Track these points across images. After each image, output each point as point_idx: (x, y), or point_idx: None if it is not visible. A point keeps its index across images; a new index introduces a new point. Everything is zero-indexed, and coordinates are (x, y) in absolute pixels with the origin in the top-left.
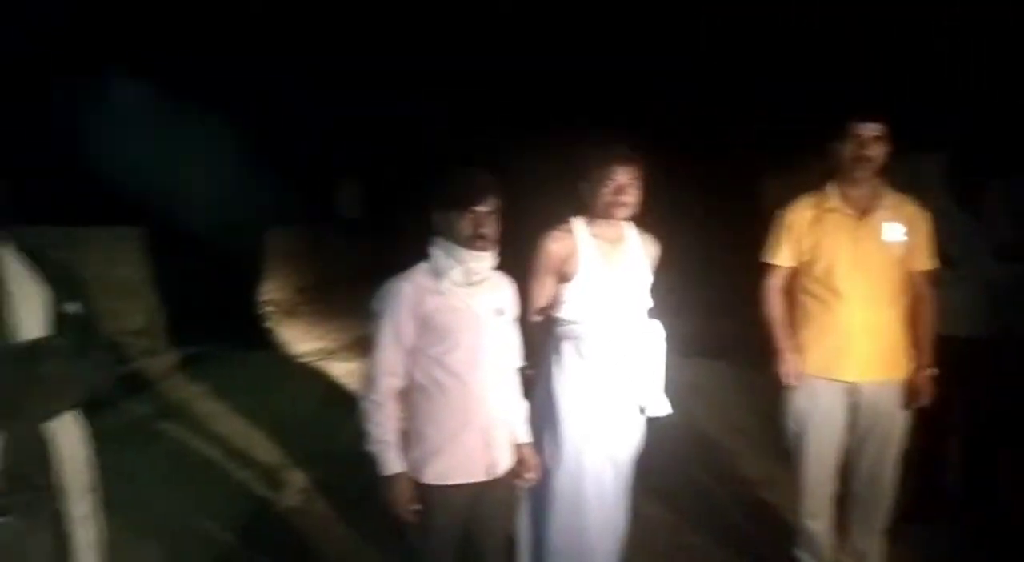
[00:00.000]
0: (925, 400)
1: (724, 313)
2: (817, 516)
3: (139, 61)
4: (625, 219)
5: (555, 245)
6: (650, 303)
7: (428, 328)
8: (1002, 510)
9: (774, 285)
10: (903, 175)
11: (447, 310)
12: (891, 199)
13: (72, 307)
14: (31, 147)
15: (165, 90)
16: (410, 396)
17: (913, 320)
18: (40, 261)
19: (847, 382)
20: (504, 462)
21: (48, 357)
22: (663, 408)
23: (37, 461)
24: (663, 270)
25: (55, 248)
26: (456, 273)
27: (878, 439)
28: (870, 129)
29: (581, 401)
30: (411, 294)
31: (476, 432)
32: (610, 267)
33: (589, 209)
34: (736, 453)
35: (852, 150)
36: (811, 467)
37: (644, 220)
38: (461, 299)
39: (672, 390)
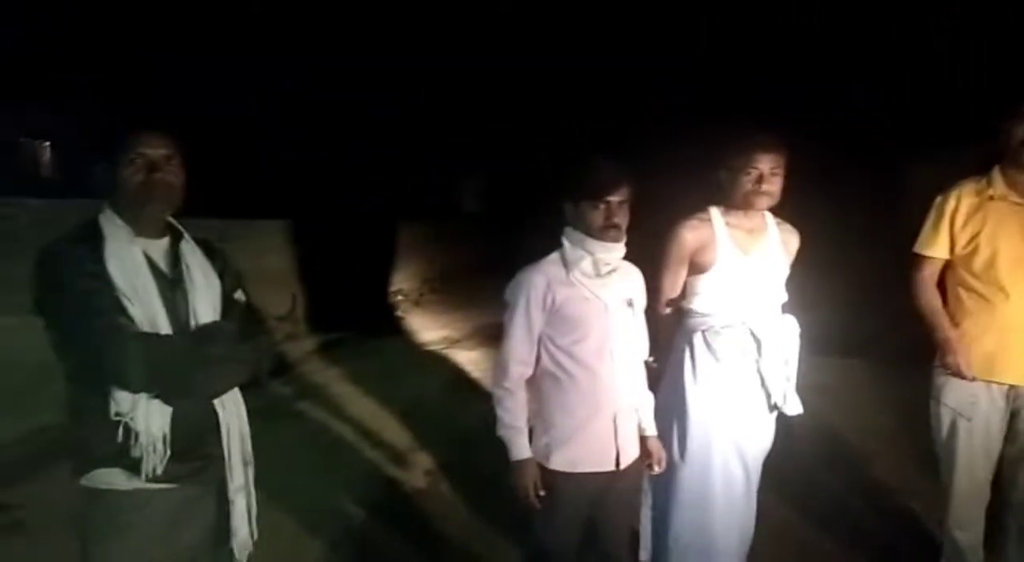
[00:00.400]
0: None
1: (859, 310)
2: (967, 528)
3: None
4: (765, 209)
5: (691, 234)
6: (785, 297)
7: (558, 318)
8: None
9: (927, 277)
10: None
11: (577, 300)
12: None
13: (238, 295)
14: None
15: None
16: (540, 384)
17: None
18: (212, 252)
19: (1007, 385)
20: (632, 453)
21: (218, 340)
22: (795, 407)
23: (206, 433)
24: (799, 263)
25: (219, 240)
26: (586, 264)
27: None
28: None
29: (711, 396)
30: (542, 284)
31: (605, 422)
32: (747, 258)
33: (727, 198)
34: (872, 457)
35: (1022, 132)
36: (963, 475)
37: (783, 211)
38: (591, 289)
39: (804, 389)
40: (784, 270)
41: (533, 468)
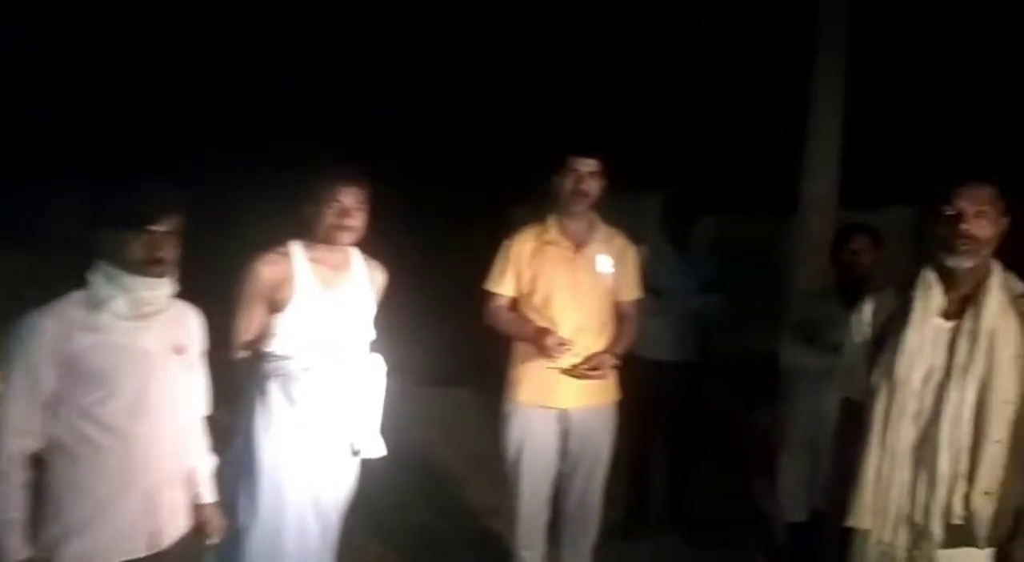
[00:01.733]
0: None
1: (465, 339)
2: (531, 547)
3: None
4: (350, 244)
5: (267, 269)
6: (373, 335)
7: (76, 373)
8: (701, 524)
9: (497, 310)
10: (624, 212)
11: (105, 349)
12: (603, 232)
13: None
14: None
15: None
16: (49, 459)
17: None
18: None
19: (559, 409)
20: (173, 530)
21: None
22: (377, 449)
23: None
24: (398, 296)
25: None
26: (120, 303)
27: (588, 462)
28: (587, 164)
29: (285, 447)
30: (53, 331)
31: (136, 498)
32: (330, 295)
33: (311, 232)
34: (467, 483)
35: (570, 184)
36: (525, 496)
37: (375, 245)
38: (125, 335)
39: (406, 421)
40: (370, 307)
41: None
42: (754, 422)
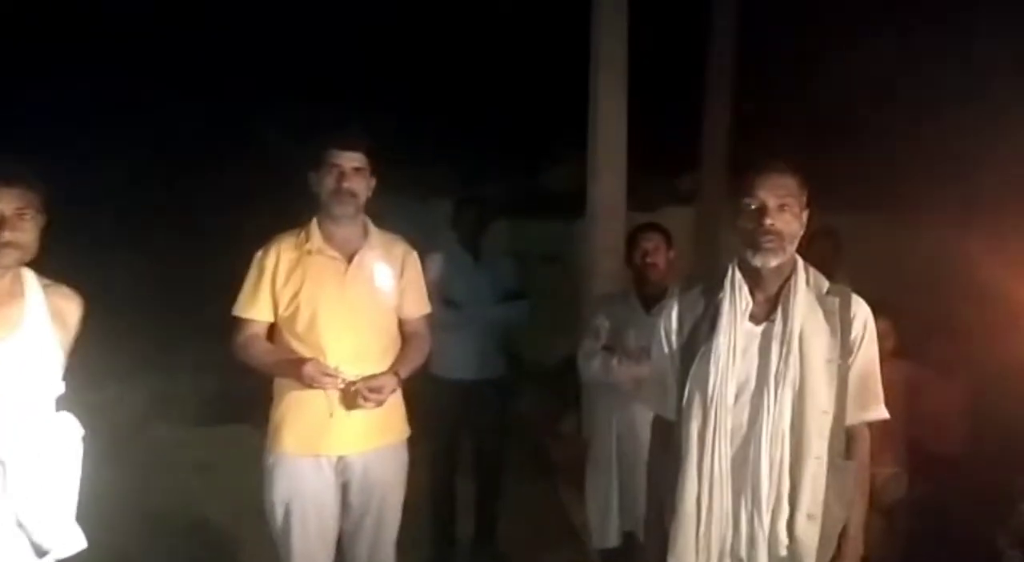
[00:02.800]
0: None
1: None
2: None
3: None
4: (11, 264)
5: None
6: (59, 389)
7: None
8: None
9: (248, 341)
10: (413, 217)
11: None
12: (379, 239)
13: None
14: None
15: None
16: None
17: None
18: None
19: (336, 456)
20: None
21: None
22: (72, 544)
23: None
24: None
25: None
26: None
27: (375, 516)
28: (351, 159)
29: None
30: None
31: None
32: None
33: None
34: (246, 544)
35: (331, 182)
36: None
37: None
38: None
39: (170, 472)
40: (56, 352)
41: None
42: (561, 432)
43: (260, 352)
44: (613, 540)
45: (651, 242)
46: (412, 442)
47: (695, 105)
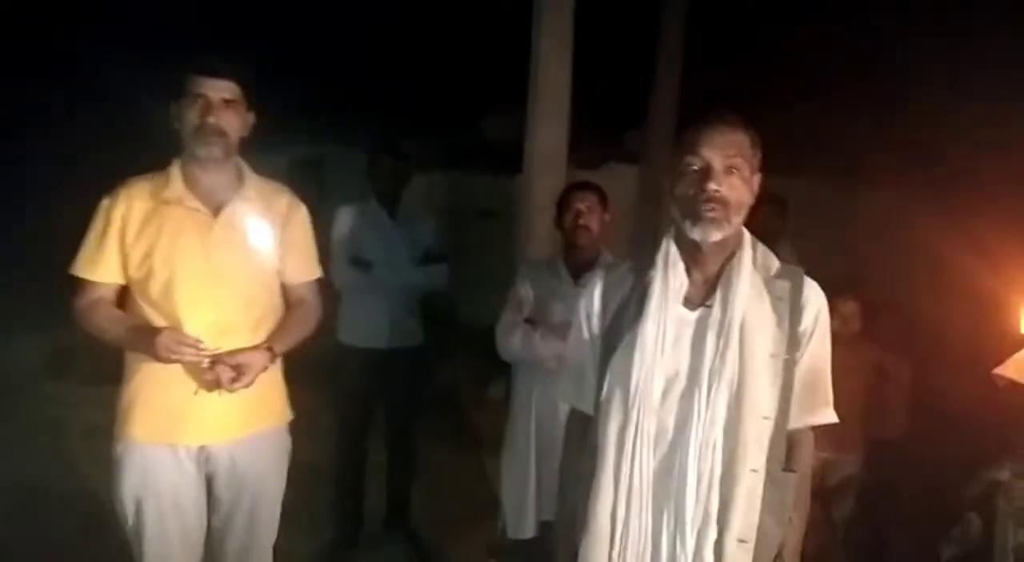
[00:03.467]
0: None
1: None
2: None
3: None
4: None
5: None
6: None
7: None
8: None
9: (91, 305)
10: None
11: None
12: (256, 188)
13: None
14: None
15: None
16: None
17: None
18: None
19: (197, 446)
20: None
21: None
22: None
23: None
24: None
25: None
26: None
27: (246, 512)
28: (218, 88)
29: None
30: None
31: None
32: None
33: None
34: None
35: (194, 116)
36: None
37: None
38: None
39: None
40: None
41: None
42: (488, 398)
43: (105, 320)
44: (529, 531)
45: (584, 202)
46: (318, 415)
47: (645, 57)
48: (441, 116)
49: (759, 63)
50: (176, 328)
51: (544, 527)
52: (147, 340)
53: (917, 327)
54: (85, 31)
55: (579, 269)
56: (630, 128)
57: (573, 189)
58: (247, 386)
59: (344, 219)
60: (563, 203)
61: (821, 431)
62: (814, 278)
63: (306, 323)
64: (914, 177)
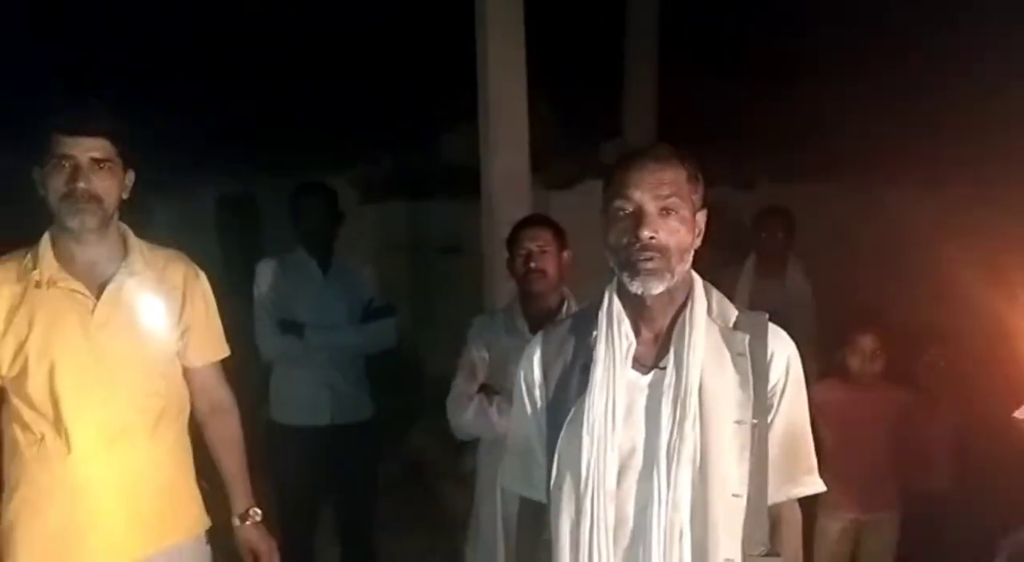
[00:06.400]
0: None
1: None
2: None
3: None
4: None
5: None
6: None
7: None
8: None
9: None
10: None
11: None
12: (143, 257)
13: None
14: None
15: None
16: None
17: (211, 445)
18: None
19: None
20: None
21: None
22: None
23: None
24: None
25: None
26: None
27: None
28: (87, 147)
29: None
30: None
31: None
32: None
33: None
34: None
35: (60, 182)
36: None
37: None
38: None
39: None
40: None
41: None
42: (460, 473)
43: None
44: None
45: (535, 242)
46: (260, 502)
47: (617, 66)
48: (393, 137)
49: (742, 58)
50: (59, 433)
51: None
52: None
53: (965, 358)
54: None
55: (539, 321)
56: (605, 139)
57: (521, 226)
58: None
59: (265, 275)
60: (512, 243)
61: (848, 491)
62: (829, 299)
63: (236, 437)
64: (948, 176)
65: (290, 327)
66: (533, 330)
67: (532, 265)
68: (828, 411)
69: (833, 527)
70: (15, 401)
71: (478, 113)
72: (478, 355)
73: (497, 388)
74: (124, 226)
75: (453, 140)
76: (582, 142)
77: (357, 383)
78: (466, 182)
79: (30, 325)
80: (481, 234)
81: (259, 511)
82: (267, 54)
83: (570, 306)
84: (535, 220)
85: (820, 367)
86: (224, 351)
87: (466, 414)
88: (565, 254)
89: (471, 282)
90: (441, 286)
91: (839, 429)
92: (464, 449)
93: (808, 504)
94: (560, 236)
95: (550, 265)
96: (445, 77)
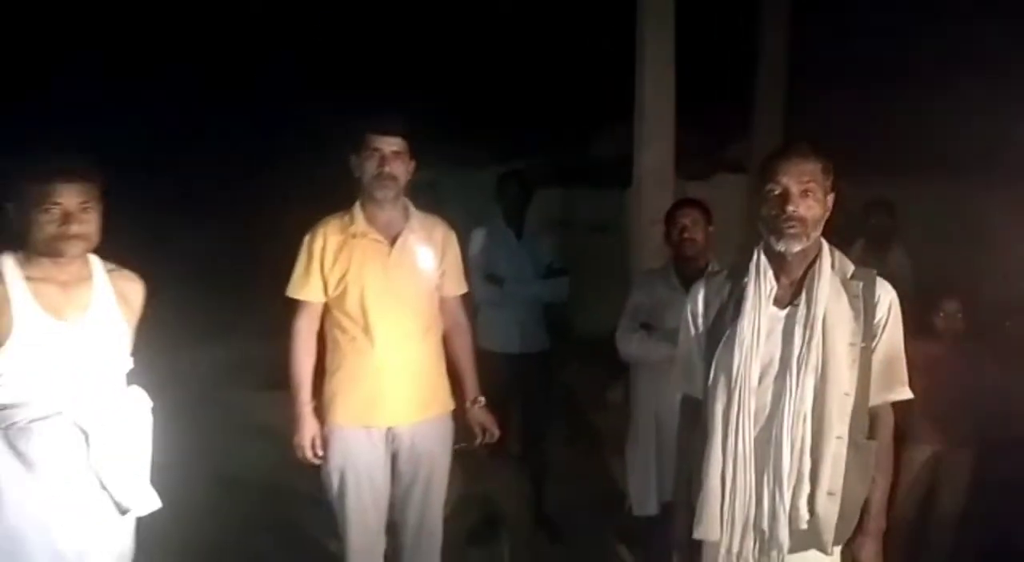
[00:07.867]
0: (490, 432)
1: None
2: None
3: None
4: (80, 254)
5: None
6: (130, 365)
7: None
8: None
9: (304, 327)
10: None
11: None
12: (420, 221)
13: None
14: None
15: None
16: None
17: (453, 351)
18: None
19: (386, 428)
20: None
21: None
22: (148, 503)
23: None
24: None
25: None
26: None
27: (422, 484)
28: (390, 143)
29: (24, 517)
30: None
31: None
32: (62, 323)
33: (27, 243)
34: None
35: (372, 167)
36: (355, 528)
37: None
38: None
39: (240, 434)
40: (123, 330)
41: None
42: (608, 401)
43: (302, 353)
44: (652, 509)
45: (688, 218)
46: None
47: (748, 72)
48: (551, 135)
49: (866, 73)
50: (367, 335)
51: (666, 507)
52: (296, 422)
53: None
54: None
55: (689, 278)
56: (732, 138)
57: (678, 206)
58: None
59: (478, 240)
60: (669, 219)
61: (931, 427)
62: (925, 277)
63: (468, 345)
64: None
65: (493, 279)
66: (684, 285)
67: (686, 235)
68: (917, 360)
69: (917, 458)
70: (336, 313)
71: (633, 113)
72: (640, 301)
73: (654, 326)
74: (405, 198)
75: (600, 138)
76: (714, 142)
77: (538, 323)
78: (609, 174)
79: (348, 262)
80: (630, 216)
81: (483, 398)
82: (446, 62)
83: (713, 266)
84: (688, 202)
85: (914, 330)
86: (464, 288)
87: (631, 344)
88: (710, 228)
89: (612, 256)
90: (587, 259)
91: (926, 375)
92: (608, 386)
93: (897, 438)
94: (707, 214)
95: (699, 235)
96: (595, 84)
